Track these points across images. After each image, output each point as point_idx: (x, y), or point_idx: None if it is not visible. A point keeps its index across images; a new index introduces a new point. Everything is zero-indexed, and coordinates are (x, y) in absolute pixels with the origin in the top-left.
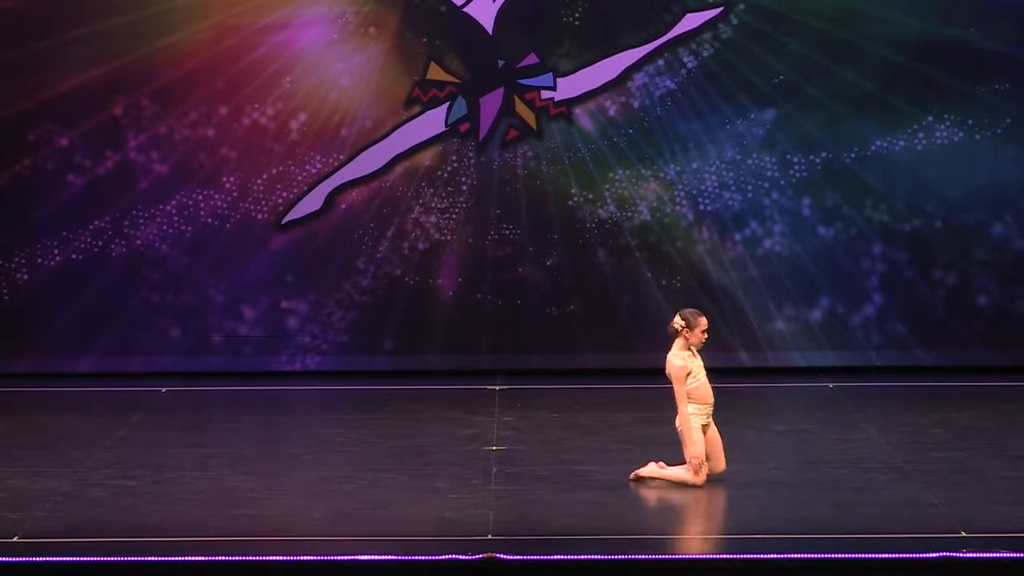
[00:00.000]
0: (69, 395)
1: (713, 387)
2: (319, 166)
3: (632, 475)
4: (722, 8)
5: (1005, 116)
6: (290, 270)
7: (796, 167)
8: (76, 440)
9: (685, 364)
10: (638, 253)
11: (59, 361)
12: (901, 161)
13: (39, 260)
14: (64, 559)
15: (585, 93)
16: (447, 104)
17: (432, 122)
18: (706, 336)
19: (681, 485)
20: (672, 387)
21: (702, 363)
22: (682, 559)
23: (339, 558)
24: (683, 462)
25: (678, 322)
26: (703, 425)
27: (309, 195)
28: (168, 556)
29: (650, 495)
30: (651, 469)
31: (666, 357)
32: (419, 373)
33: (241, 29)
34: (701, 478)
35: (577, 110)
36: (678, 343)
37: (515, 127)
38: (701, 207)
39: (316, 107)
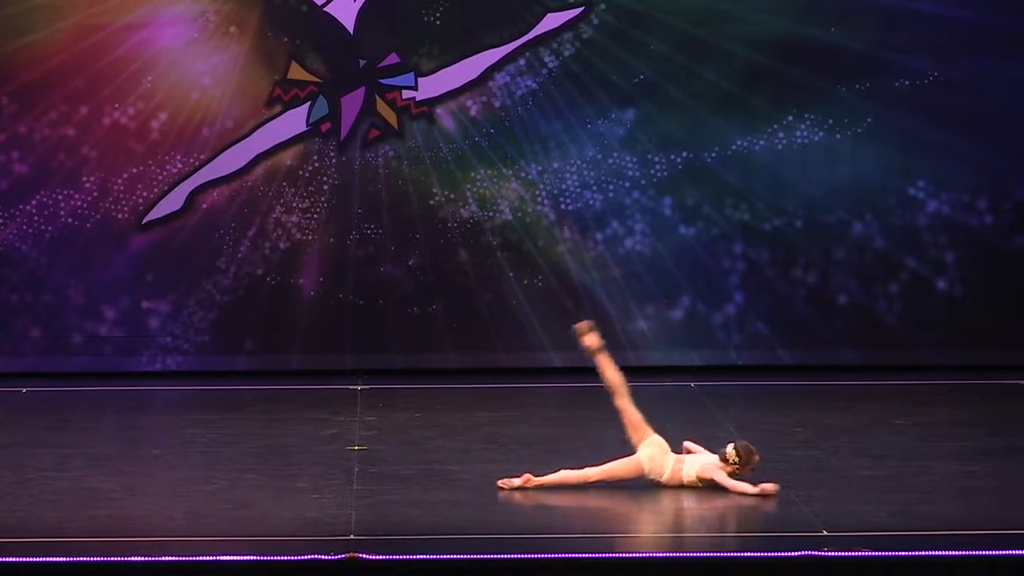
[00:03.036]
0: None
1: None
2: (180, 166)
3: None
4: (583, 8)
5: (866, 116)
6: (151, 270)
7: (657, 167)
8: None
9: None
10: (500, 253)
11: None
12: (762, 160)
13: None
14: None
15: (446, 93)
16: (308, 104)
17: (293, 122)
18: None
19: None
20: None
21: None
22: (542, 558)
23: (201, 558)
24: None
25: (731, 454)
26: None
27: (170, 195)
28: (28, 557)
29: (512, 495)
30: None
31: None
32: (281, 373)
33: (101, 28)
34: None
35: (438, 110)
36: (723, 468)
37: (376, 127)
38: (562, 207)
39: (177, 106)
